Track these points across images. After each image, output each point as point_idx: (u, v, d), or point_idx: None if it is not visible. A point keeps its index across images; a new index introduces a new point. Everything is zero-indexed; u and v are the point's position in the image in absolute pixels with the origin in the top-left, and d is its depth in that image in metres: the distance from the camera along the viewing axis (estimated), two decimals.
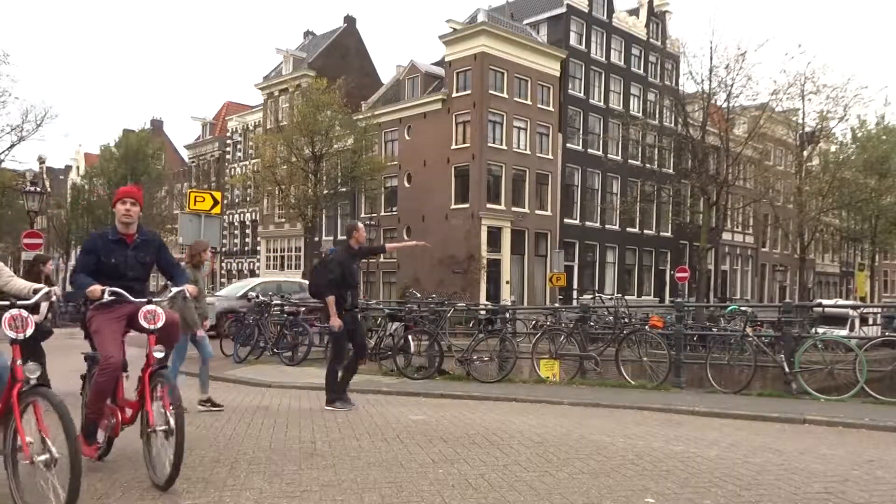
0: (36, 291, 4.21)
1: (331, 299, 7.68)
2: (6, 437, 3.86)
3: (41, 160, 29.79)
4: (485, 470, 4.85)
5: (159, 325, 4.54)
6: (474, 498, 4.18)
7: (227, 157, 53.50)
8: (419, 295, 21.53)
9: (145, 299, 4.65)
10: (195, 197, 14.29)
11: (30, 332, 3.85)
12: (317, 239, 37.61)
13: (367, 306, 17.06)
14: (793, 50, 72.12)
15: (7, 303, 3.93)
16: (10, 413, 3.79)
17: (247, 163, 48.95)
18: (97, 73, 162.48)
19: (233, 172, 49.73)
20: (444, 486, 4.39)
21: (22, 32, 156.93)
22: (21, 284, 4.31)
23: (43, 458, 3.64)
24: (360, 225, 8.27)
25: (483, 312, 16.16)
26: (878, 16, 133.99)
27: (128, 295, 4.60)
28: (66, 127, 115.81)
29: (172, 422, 4.16)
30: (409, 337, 11.86)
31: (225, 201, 44.12)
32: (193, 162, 57.91)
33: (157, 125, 64.46)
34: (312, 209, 33.88)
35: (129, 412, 4.54)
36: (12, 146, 33.29)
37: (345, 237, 8.15)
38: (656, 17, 42.95)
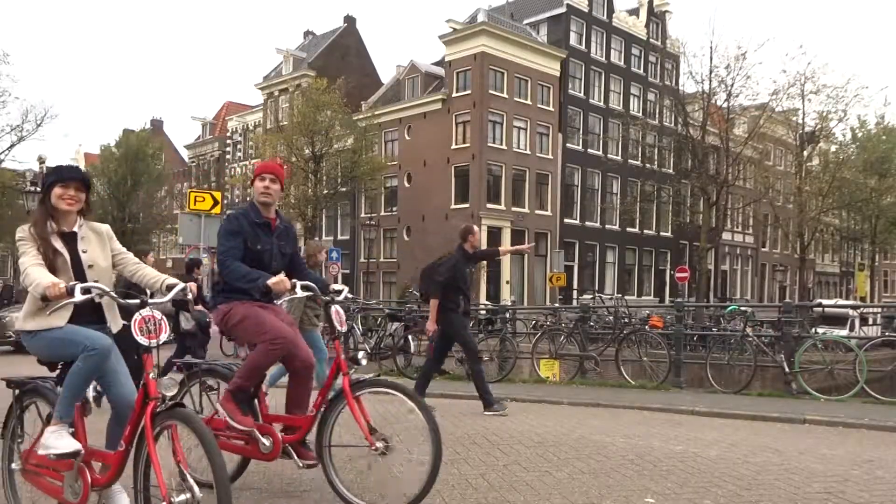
0: (170, 287, 3.41)
1: (434, 302, 7.51)
2: (138, 470, 3.09)
3: (41, 160, 29.69)
4: (485, 470, 4.85)
5: (346, 328, 4.07)
6: (474, 498, 4.18)
7: (227, 157, 53.49)
8: (419, 295, 21.52)
9: (327, 297, 4.14)
10: (195, 197, 14.30)
11: (164, 338, 3.21)
12: (317, 239, 37.61)
13: (367, 306, 17.09)
14: (793, 50, 72.04)
15: (137, 301, 3.22)
16: (142, 439, 3.05)
17: (247, 163, 48.95)
18: (97, 73, 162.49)
19: (233, 172, 49.71)
20: (445, 486, 4.38)
21: (22, 32, 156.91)
22: (152, 275, 3.58)
23: (182, 498, 2.90)
24: (476, 228, 8.03)
25: (483, 312, 16.15)
26: (878, 16, 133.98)
27: (318, 290, 4.09)
28: (66, 127, 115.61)
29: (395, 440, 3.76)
30: (410, 337, 11.87)
31: (225, 201, 44.05)
32: (193, 162, 57.90)
33: (157, 125, 64.35)
34: (312, 209, 33.88)
35: (279, 431, 3.89)
36: (12, 146, 33.26)
37: (459, 240, 7.81)
38: (656, 17, 42.96)
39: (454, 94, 35.26)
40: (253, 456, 3.94)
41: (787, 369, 9.27)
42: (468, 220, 34.03)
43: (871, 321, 19.90)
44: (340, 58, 46.69)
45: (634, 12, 42.20)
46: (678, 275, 35.21)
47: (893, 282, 63.49)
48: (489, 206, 34.13)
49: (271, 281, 3.77)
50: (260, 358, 3.90)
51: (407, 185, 37.94)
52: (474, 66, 34.33)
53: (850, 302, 36.99)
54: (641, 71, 41.59)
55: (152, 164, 44.83)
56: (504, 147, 34.85)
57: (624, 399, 8.57)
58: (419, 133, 37.21)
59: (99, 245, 3.50)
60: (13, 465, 3.65)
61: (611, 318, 15.19)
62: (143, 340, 3.08)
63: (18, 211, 38.36)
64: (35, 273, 3.13)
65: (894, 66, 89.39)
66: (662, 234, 42.24)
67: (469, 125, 34.68)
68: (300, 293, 3.94)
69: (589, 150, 38.73)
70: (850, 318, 20.18)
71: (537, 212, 36.14)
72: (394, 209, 38.63)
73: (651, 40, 41.75)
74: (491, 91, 34.28)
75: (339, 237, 40.76)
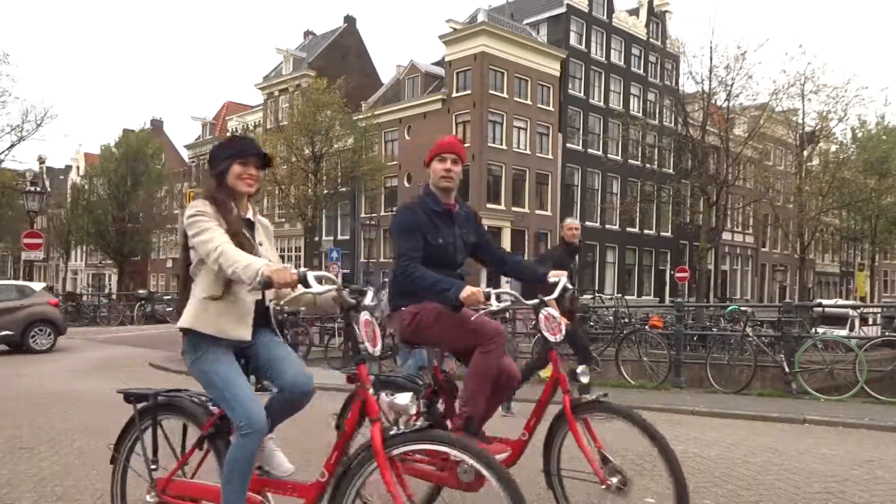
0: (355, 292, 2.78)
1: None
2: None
3: (41, 160, 29.75)
4: None
5: (561, 336, 3.41)
6: (473, 498, 4.18)
7: None
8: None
9: (535, 300, 3.42)
10: (195, 197, 14.28)
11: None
12: (317, 239, 37.61)
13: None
14: (793, 50, 71.85)
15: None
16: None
17: None
18: (97, 73, 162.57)
19: None
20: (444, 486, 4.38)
21: (22, 32, 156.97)
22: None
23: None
24: (569, 220, 7.88)
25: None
26: (878, 16, 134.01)
27: (519, 296, 3.52)
28: (66, 127, 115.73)
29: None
30: None
31: None
32: (193, 162, 57.87)
33: (157, 125, 64.38)
34: (312, 209, 33.86)
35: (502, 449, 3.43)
36: (12, 146, 33.25)
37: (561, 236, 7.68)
38: (656, 17, 42.96)
39: (454, 94, 35.26)
40: (447, 484, 3.24)
41: (787, 369, 9.27)
42: None
43: (871, 321, 19.87)
44: (340, 58, 46.70)
45: (634, 12, 42.20)
46: (678, 275, 35.19)
47: (893, 282, 63.46)
48: (489, 206, 34.13)
49: (463, 294, 3.21)
50: (481, 365, 3.29)
51: (407, 185, 37.94)
52: (474, 66, 34.33)
53: (850, 302, 36.97)
54: (641, 71, 41.59)
55: (152, 164, 44.86)
56: (504, 147, 34.85)
57: (624, 399, 8.51)
58: (419, 133, 37.20)
59: (267, 238, 3.07)
60: (148, 498, 3.07)
61: (611, 318, 15.19)
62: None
63: (18, 211, 38.39)
64: (235, 252, 2.59)
65: (894, 66, 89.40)
66: (662, 234, 42.24)
67: (469, 125, 34.68)
68: (496, 305, 3.33)
69: (589, 150, 38.73)
70: (850, 318, 20.15)
71: (537, 212, 36.14)
72: (394, 209, 38.59)
73: (651, 40, 41.76)
74: (491, 91, 34.28)
75: (339, 237, 40.77)
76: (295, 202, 34.46)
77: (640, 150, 39.38)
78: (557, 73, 37.04)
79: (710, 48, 30.68)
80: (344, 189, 36.59)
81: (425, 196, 3.61)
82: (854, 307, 24.36)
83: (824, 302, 20.19)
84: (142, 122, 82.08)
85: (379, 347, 2.66)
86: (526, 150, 35.81)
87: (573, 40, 38.19)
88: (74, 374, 11.16)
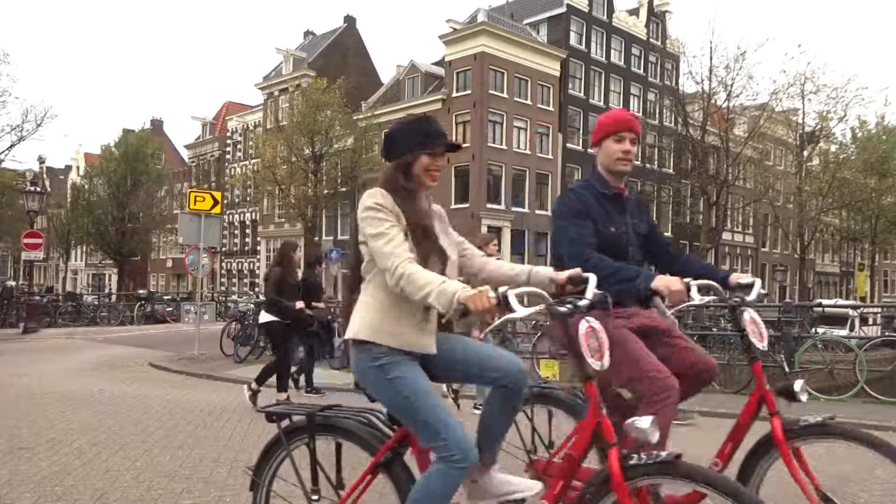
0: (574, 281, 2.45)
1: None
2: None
3: (41, 160, 29.74)
4: None
5: (766, 344, 2.87)
6: None
7: (227, 156, 53.50)
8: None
9: (735, 298, 2.90)
10: (195, 197, 14.26)
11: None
12: (317, 239, 37.62)
13: None
14: (793, 50, 71.97)
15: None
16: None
17: (247, 163, 48.95)
18: (97, 73, 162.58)
19: (233, 172, 49.71)
20: None
21: (22, 32, 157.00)
22: (509, 268, 2.66)
23: None
24: None
25: None
26: (878, 16, 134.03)
27: (721, 289, 2.96)
28: (66, 127, 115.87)
29: None
30: None
31: (225, 201, 44.06)
32: (193, 162, 57.90)
33: (157, 125, 64.40)
34: (312, 209, 33.88)
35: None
36: (12, 146, 33.24)
37: None
38: (656, 17, 42.97)
39: (454, 94, 35.27)
40: None
41: (787, 369, 9.26)
42: (468, 220, 34.14)
43: (871, 321, 19.87)
44: (340, 58, 46.70)
45: (634, 12, 42.21)
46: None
47: (893, 282, 63.45)
48: (489, 206, 34.13)
49: (658, 284, 2.65)
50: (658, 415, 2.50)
51: None
52: (474, 66, 34.34)
53: (850, 302, 36.97)
54: (641, 71, 41.60)
55: (152, 164, 44.89)
56: (504, 147, 34.85)
57: None
58: None
59: (443, 231, 2.57)
60: None
61: None
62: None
63: (18, 211, 38.38)
64: (422, 274, 2.20)
65: (894, 66, 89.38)
66: (662, 234, 42.25)
67: (469, 125, 34.69)
68: (697, 299, 2.71)
69: (589, 151, 38.70)
70: (850, 318, 20.15)
71: (537, 212, 36.14)
72: None
73: (651, 40, 41.78)
74: (491, 91, 34.28)
75: (339, 237, 40.76)
76: (295, 202, 34.48)
77: (640, 150, 39.40)
78: (557, 73, 37.05)
79: (710, 48, 30.81)
80: (344, 189, 36.59)
81: (593, 179, 3.11)
82: (854, 307, 24.35)
83: (824, 302, 20.18)
84: (142, 122, 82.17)
85: (606, 359, 2.26)
86: (526, 150, 35.82)
87: (573, 40, 38.21)
88: (74, 374, 11.16)
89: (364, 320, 2.38)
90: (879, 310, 22.43)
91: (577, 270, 2.46)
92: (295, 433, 2.62)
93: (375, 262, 2.34)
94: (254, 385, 7.86)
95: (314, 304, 8.63)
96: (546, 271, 2.54)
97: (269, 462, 2.73)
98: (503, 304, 2.05)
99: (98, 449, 5.44)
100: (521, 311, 2.07)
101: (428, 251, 2.35)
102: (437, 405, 2.34)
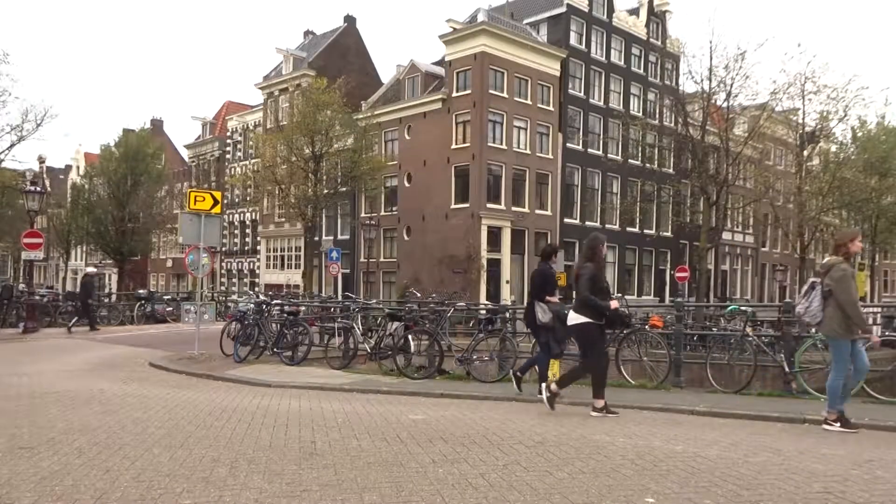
0: None
1: None
2: None
3: (41, 160, 29.71)
4: (485, 470, 4.85)
5: None
6: (474, 498, 4.18)
7: (227, 156, 53.52)
8: (419, 294, 21.52)
9: None
10: (195, 196, 14.27)
11: None
12: (317, 238, 37.61)
13: (367, 306, 17.09)
14: (793, 50, 72.26)
15: None
16: None
17: (247, 162, 48.97)
18: (97, 73, 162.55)
19: (233, 172, 49.74)
20: (444, 486, 4.38)
21: (22, 32, 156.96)
22: None
23: None
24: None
25: (483, 312, 16.13)
26: (879, 16, 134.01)
27: None
28: (66, 127, 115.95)
29: None
30: (410, 337, 11.85)
31: (225, 201, 44.13)
32: (193, 162, 57.90)
33: (157, 125, 64.45)
34: (312, 209, 33.87)
35: None
36: (12, 146, 33.32)
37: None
38: (656, 17, 42.97)
39: (454, 94, 35.26)
40: None
41: (787, 369, 9.27)
42: (468, 220, 34.14)
43: (870, 321, 19.87)
44: (340, 57, 46.73)
45: (634, 12, 42.20)
46: (678, 275, 35.18)
47: (893, 282, 63.45)
48: (489, 205, 34.12)
49: None
50: None
51: (407, 184, 37.94)
52: (474, 65, 34.33)
53: None
54: (641, 71, 41.59)
55: (152, 164, 44.90)
56: (504, 147, 34.85)
57: (624, 399, 8.56)
58: (419, 133, 37.21)
59: None
60: None
61: None
62: None
63: (19, 211, 38.40)
64: None
65: (894, 66, 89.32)
66: (662, 234, 42.23)
67: (469, 125, 34.68)
68: None
69: (589, 150, 38.72)
70: None
71: (537, 212, 36.13)
72: (394, 209, 38.63)
73: (651, 40, 41.77)
74: (491, 91, 34.27)
75: (339, 237, 40.77)
76: (295, 202, 34.46)
77: (640, 150, 39.39)
78: (557, 73, 37.04)
79: (710, 48, 30.84)
80: (344, 189, 36.61)
81: None
82: None
83: None
84: (142, 122, 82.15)
85: None
86: (526, 149, 35.80)
87: (573, 40, 38.19)
88: (74, 374, 11.16)
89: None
90: (879, 310, 22.43)
91: None
92: None
93: None
94: (554, 387, 7.56)
95: (548, 298, 8.41)
96: None
97: None
98: None
99: (98, 449, 5.44)
100: None
101: None
102: None
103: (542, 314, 8.53)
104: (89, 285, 21.63)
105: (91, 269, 25.05)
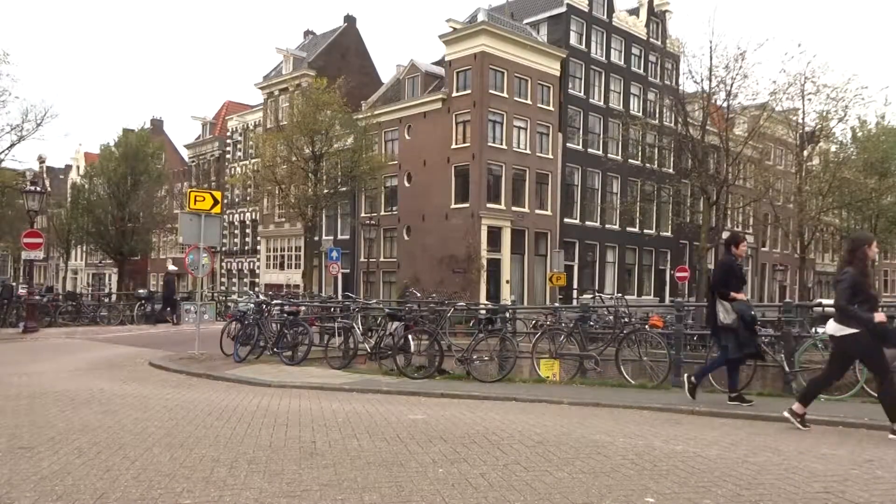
0: None
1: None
2: None
3: (41, 160, 29.76)
4: (485, 469, 4.85)
5: None
6: (474, 498, 4.18)
7: (227, 156, 53.52)
8: (419, 294, 21.52)
9: None
10: (195, 196, 14.26)
11: None
12: (317, 238, 37.61)
13: (367, 305, 17.07)
14: (793, 50, 72.15)
15: None
16: None
17: (247, 162, 48.96)
18: (97, 73, 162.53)
19: (233, 172, 49.75)
20: (444, 486, 4.38)
21: (22, 32, 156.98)
22: None
23: None
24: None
25: (483, 312, 16.12)
26: (878, 16, 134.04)
27: None
28: (66, 127, 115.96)
29: None
30: (410, 336, 11.85)
31: (225, 201, 44.11)
32: (193, 161, 57.91)
33: (157, 125, 64.44)
34: (312, 209, 33.87)
35: None
36: (12, 146, 33.33)
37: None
38: (656, 17, 42.96)
39: (454, 94, 35.26)
40: None
41: (787, 369, 9.26)
42: (468, 220, 34.14)
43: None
44: (340, 57, 46.74)
45: (634, 12, 42.20)
46: (678, 274, 35.18)
47: (893, 282, 63.47)
48: (489, 205, 34.13)
49: None
50: None
51: (407, 184, 37.94)
52: (474, 65, 34.33)
53: None
54: (641, 71, 41.59)
55: (152, 164, 44.92)
56: (504, 147, 34.85)
57: (624, 399, 8.56)
58: (419, 133, 37.21)
59: None
60: None
61: (611, 317, 15.15)
62: None
63: (19, 211, 38.38)
64: None
65: (894, 66, 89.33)
66: (662, 233, 42.23)
67: (469, 125, 34.68)
68: None
69: (589, 150, 38.73)
70: None
71: (537, 211, 36.13)
72: (394, 209, 38.63)
73: (651, 40, 41.77)
74: (491, 91, 34.27)
75: (339, 237, 40.76)
76: (295, 202, 34.47)
77: (640, 149, 39.40)
78: (557, 73, 37.04)
79: (710, 48, 30.81)
80: (344, 189, 36.61)
81: None
82: None
83: (824, 302, 20.12)
84: (142, 121, 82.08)
85: None
86: (526, 149, 35.80)
87: (573, 40, 38.19)
88: (74, 374, 11.16)
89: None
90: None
91: None
92: None
93: None
94: (796, 406, 6.81)
95: (733, 294, 7.72)
96: None
97: None
98: None
99: (98, 449, 5.44)
100: None
101: None
102: None
103: (725, 314, 7.67)
104: (171, 283, 22.38)
105: (173, 268, 25.48)
